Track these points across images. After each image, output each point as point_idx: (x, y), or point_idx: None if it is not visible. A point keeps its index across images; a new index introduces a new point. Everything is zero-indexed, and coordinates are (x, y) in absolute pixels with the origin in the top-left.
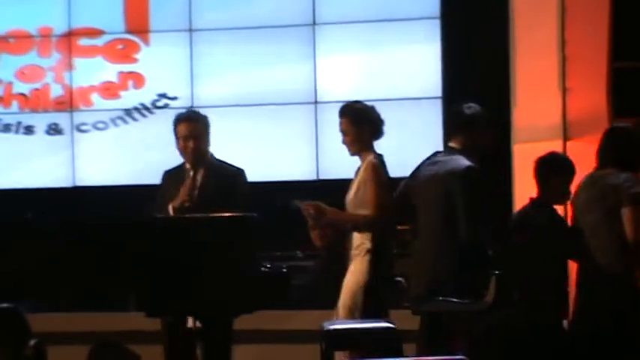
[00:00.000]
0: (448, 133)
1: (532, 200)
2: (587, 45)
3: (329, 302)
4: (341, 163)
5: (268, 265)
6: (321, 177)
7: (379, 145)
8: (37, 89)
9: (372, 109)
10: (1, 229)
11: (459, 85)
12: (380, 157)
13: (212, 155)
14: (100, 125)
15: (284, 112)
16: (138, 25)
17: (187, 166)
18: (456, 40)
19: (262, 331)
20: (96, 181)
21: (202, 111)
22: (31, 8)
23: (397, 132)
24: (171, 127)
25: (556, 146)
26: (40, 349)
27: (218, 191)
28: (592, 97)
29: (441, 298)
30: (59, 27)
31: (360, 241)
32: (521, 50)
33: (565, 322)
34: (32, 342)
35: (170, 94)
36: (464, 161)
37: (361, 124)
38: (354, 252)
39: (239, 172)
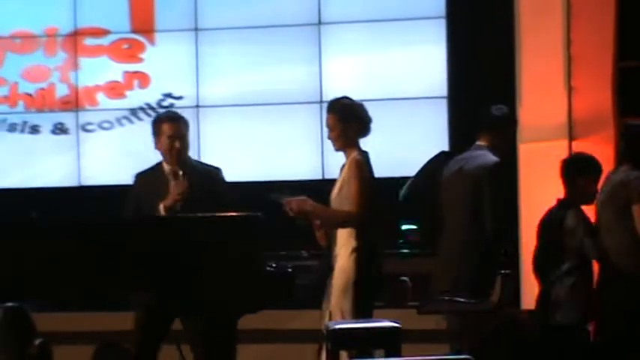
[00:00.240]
0: (477, 132)
1: (559, 201)
2: (592, 45)
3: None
4: None
5: (273, 265)
6: (327, 176)
7: (386, 145)
8: (42, 89)
9: (360, 106)
10: (7, 228)
11: (465, 85)
12: (364, 154)
13: (189, 155)
14: (106, 125)
15: (289, 112)
16: (143, 25)
17: (166, 166)
18: (461, 40)
19: (267, 331)
20: (101, 180)
21: (208, 110)
22: (37, 8)
23: (402, 131)
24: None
25: (561, 146)
26: (45, 348)
27: (203, 190)
28: (597, 97)
29: (447, 297)
30: (65, 27)
31: (345, 239)
32: (526, 50)
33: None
34: (37, 341)
35: (175, 94)
36: (492, 157)
37: (348, 120)
38: (338, 250)
39: (218, 171)
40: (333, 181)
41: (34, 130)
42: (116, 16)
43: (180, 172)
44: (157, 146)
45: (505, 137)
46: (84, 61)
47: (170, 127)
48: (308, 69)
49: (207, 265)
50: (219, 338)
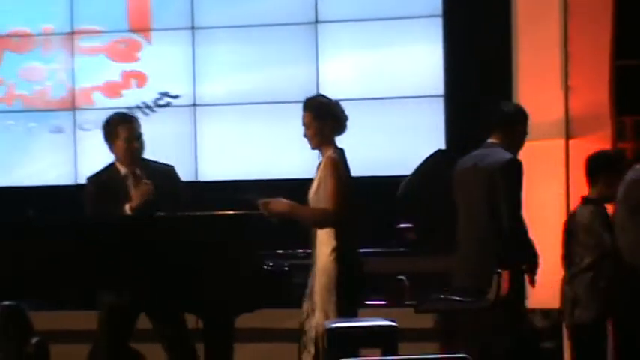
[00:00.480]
0: (488, 129)
1: (583, 198)
2: (589, 43)
3: None
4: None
5: (270, 264)
6: None
7: (382, 144)
8: (39, 88)
9: (335, 104)
10: (4, 227)
11: (462, 83)
12: (340, 151)
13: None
14: None
15: (286, 111)
16: (140, 24)
17: (122, 168)
18: (458, 39)
19: (264, 330)
20: None
21: (204, 109)
22: (34, 8)
23: (399, 130)
24: (172, 125)
25: (558, 145)
26: (42, 346)
27: (163, 189)
28: (594, 95)
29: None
30: (62, 26)
31: (325, 238)
32: (523, 48)
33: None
34: (34, 339)
35: (172, 93)
36: (505, 154)
37: (323, 118)
38: (318, 250)
39: (173, 169)
40: None
41: (31, 129)
42: (113, 16)
43: (139, 172)
44: (113, 149)
45: (516, 133)
46: (81, 61)
47: (126, 128)
48: (305, 68)
49: (204, 264)
50: (217, 337)
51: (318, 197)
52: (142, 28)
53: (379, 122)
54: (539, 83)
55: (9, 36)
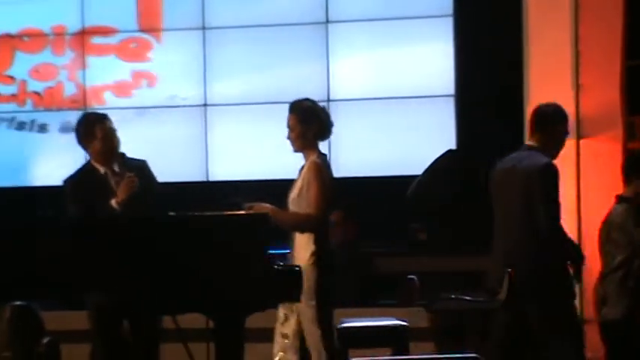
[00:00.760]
0: (528, 131)
1: (617, 197)
2: (600, 42)
3: (342, 300)
4: (355, 161)
5: (281, 263)
6: (335, 175)
7: (393, 144)
8: (50, 87)
9: (321, 109)
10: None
11: (472, 82)
12: (323, 156)
13: None
14: None
15: None
16: (151, 24)
17: (99, 166)
18: (468, 38)
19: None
20: None
21: (215, 109)
22: (45, 7)
23: (410, 130)
24: (183, 126)
25: (569, 144)
26: (53, 346)
27: (141, 184)
28: (605, 95)
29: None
30: (73, 25)
31: (304, 242)
32: (534, 47)
33: None
34: (46, 339)
35: (183, 93)
36: (542, 158)
37: (307, 122)
38: (297, 253)
39: (145, 163)
40: (341, 180)
41: (42, 128)
42: (124, 15)
43: (117, 168)
44: (90, 149)
45: (557, 133)
46: (91, 60)
47: (102, 127)
48: (315, 67)
49: (215, 264)
50: (228, 337)
51: (300, 200)
52: (152, 28)
53: (389, 122)
54: (550, 82)
55: (20, 35)
